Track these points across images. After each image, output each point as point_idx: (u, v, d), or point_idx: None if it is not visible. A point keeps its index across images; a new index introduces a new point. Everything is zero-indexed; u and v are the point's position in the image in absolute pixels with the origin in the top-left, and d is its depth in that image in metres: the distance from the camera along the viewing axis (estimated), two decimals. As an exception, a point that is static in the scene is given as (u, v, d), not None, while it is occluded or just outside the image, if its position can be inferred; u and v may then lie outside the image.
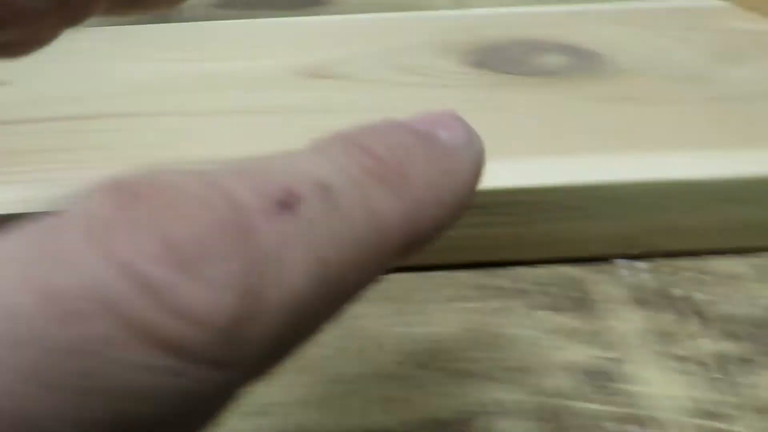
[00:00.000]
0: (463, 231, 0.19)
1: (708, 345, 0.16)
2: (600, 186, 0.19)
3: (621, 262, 0.20)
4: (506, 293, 0.18)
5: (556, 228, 0.20)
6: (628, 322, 0.17)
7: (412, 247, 0.09)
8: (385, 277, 0.09)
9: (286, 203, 0.08)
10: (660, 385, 0.15)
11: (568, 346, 0.16)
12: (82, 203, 0.07)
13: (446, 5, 0.42)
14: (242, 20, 0.34)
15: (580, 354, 0.16)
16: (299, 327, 0.08)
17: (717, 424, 0.14)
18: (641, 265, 0.19)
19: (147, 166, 0.07)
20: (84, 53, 0.28)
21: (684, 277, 0.19)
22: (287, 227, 0.07)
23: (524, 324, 0.17)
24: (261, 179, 0.08)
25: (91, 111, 0.24)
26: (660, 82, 0.27)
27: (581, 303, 0.18)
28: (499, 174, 0.18)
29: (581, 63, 0.29)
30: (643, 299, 0.18)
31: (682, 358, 0.16)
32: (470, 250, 0.20)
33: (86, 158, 0.21)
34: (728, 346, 0.16)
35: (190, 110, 0.24)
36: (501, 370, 0.16)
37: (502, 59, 0.30)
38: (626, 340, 0.17)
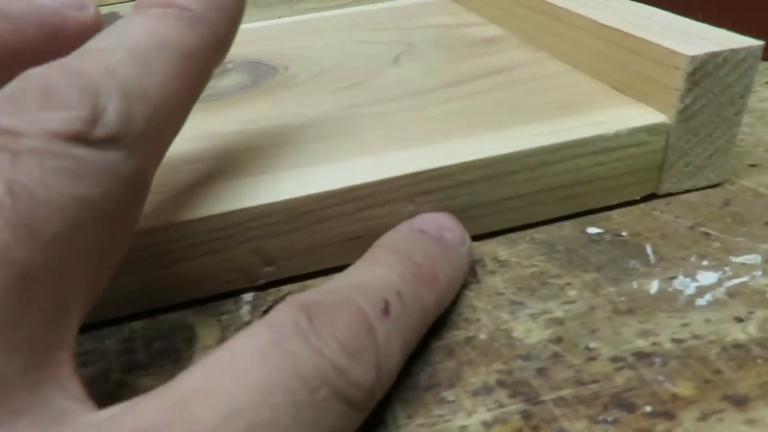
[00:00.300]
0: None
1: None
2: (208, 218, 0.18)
3: (246, 297, 0.19)
4: (109, 356, 0.17)
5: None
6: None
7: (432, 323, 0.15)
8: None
9: (385, 309, 0.13)
10: None
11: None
12: (280, 313, 0.12)
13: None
14: None
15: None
16: (393, 381, 0.14)
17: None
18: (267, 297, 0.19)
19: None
20: None
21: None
22: (388, 325, 0.13)
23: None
24: (369, 292, 0.13)
25: None
26: (329, 92, 0.26)
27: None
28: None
29: (261, 81, 0.28)
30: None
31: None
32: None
33: None
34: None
35: None
36: None
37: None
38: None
